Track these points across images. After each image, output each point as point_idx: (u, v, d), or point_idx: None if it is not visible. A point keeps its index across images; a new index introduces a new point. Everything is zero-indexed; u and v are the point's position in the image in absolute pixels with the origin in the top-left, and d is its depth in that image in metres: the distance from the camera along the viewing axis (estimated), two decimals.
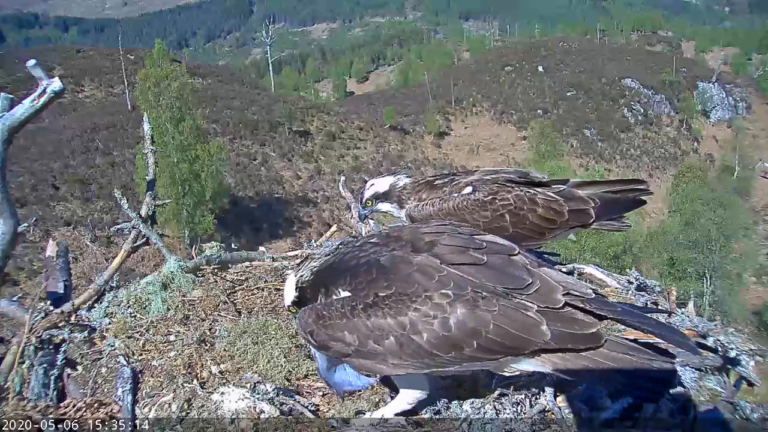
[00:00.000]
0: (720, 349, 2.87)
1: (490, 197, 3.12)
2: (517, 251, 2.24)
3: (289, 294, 2.56)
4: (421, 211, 3.23)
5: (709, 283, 29.18)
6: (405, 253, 2.24)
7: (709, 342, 2.94)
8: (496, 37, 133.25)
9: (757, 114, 77.57)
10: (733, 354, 2.84)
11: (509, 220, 3.11)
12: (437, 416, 2.41)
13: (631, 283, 3.85)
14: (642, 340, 3.10)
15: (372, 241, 2.42)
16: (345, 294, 2.28)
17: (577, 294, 2.14)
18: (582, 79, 74.06)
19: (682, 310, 3.43)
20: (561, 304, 2.09)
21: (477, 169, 3.55)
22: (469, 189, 3.19)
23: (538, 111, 67.05)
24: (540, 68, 77.66)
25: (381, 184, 3.33)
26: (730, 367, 2.86)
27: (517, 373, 2.24)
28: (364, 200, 3.34)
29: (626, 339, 2.21)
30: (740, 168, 60.25)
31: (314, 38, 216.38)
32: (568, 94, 71.76)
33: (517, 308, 2.07)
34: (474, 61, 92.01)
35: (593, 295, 2.16)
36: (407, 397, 2.41)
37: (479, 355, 2.08)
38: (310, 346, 2.56)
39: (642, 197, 3.27)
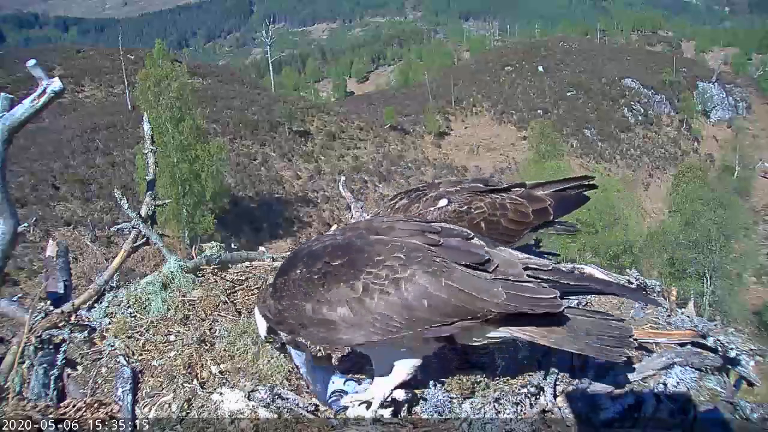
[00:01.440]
0: (720, 349, 2.87)
1: (465, 207, 3.20)
2: (473, 236, 2.28)
3: (261, 325, 2.51)
4: None
5: (709, 283, 29.16)
6: (360, 235, 2.26)
7: (709, 342, 2.94)
8: (496, 37, 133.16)
9: (757, 114, 77.53)
10: (733, 354, 2.84)
11: (485, 228, 3.19)
12: (437, 416, 2.41)
13: (631, 283, 3.85)
14: (642, 340, 3.11)
15: (329, 234, 2.46)
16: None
17: (536, 267, 2.20)
18: (582, 79, 74.01)
19: (682, 310, 3.43)
20: (520, 275, 2.13)
21: (440, 181, 3.61)
22: (444, 201, 3.24)
23: (538, 111, 67.01)
24: (540, 68, 77.61)
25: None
26: (730, 367, 2.86)
27: (482, 342, 2.25)
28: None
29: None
30: (740, 168, 60.23)
31: (314, 38, 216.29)
32: (568, 94, 71.73)
33: (471, 273, 2.08)
34: (474, 61, 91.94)
35: (551, 267, 2.23)
36: (390, 376, 2.37)
37: (433, 318, 2.04)
38: (279, 337, 2.51)
39: (586, 193, 3.54)
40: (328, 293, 2.10)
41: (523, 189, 3.40)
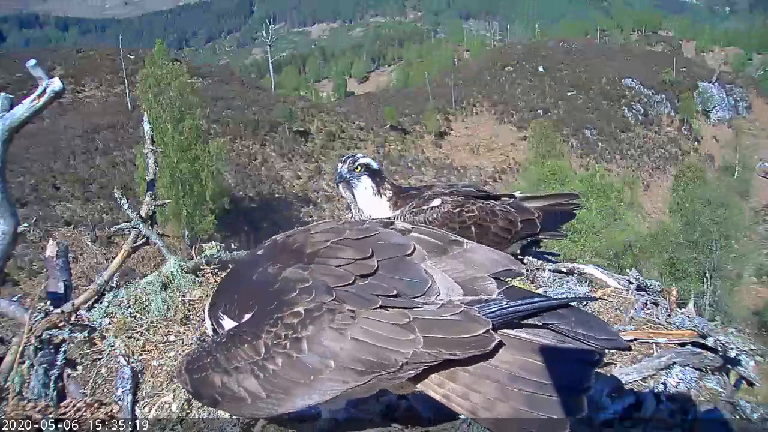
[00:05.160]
0: (720, 349, 2.87)
1: (457, 209, 3.23)
2: (412, 249, 1.92)
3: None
4: None
5: (709, 283, 29.15)
6: (276, 270, 1.95)
7: (709, 342, 2.94)
8: (496, 37, 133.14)
9: (757, 114, 77.56)
10: (733, 354, 2.84)
11: (474, 231, 3.22)
12: (437, 416, 2.41)
13: (631, 283, 3.86)
14: (641, 340, 3.11)
15: (264, 249, 2.17)
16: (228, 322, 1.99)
17: (483, 283, 1.83)
18: (582, 79, 74.03)
19: (682, 310, 3.43)
20: (453, 307, 1.74)
21: (434, 184, 3.64)
22: (438, 201, 3.27)
23: (538, 111, 67.00)
24: (540, 68, 77.64)
25: (374, 163, 3.33)
26: (730, 367, 2.86)
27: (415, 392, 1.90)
28: (356, 164, 3.22)
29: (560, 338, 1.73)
30: (740, 168, 60.25)
31: (314, 38, 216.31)
32: (568, 94, 71.74)
33: (383, 318, 1.73)
34: (474, 61, 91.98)
35: (496, 293, 1.80)
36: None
37: (343, 378, 1.72)
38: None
39: (574, 210, 3.61)
40: (234, 361, 1.83)
41: (513, 199, 3.48)
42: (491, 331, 1.66)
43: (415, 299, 1.77)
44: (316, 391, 1.74)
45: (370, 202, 3.29)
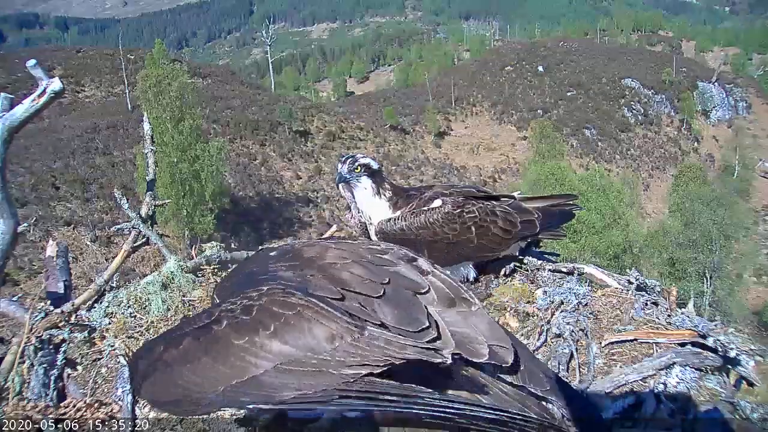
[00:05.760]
0: (720, 349, 2.87)
1: (458, 210, 3.22)
2: (426, 290, 1.86)
3: None
4: (393, 226, 3.25)
5: (709, 283, 29.15)
6: (278, 268, 1.91)
7: (709, 342, 2.94)
8: (496, 37, 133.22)
9: (757, 114, 77.61)
10: (733, 354, 2.84)
11: (475, 232, 3.23)
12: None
13: (631, 283, 3.85)
14: (641, 340, 3.11)
15: (278, 251, 2.11)
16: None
17: (470, 351, 1.72)
18: (582, 79, 74.07)
19: (682, 310, 3.43)
20: (440, 360, 1.61)
21: (434, 184, 3.65)
22: (438, 202, 3.26)
23: (538, 111, 67.05)
24: (540, 68, 77.66)
25: (374, 163, 3.29)
26: (730, 367, 2.86)
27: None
28: (355, 164, 3.17)
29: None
30: (740, 168, 60.26)
31: (314, 38, 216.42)
32: (568, 94, 71.78)
33: (333, 319, 1.64)
34: (474, 61, 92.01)
35: (486, 357, 1.71)
36: None
37: (281, 354, 1.60)
38: None
39: (573, 211, 3.62)
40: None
41: (513, 200, 3.48)
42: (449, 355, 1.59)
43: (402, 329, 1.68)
44: (252, 362, 1.59)
45: (370, 203, 3.27)
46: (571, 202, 3.62)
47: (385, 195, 3.27)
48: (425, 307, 1.80)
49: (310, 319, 1.63)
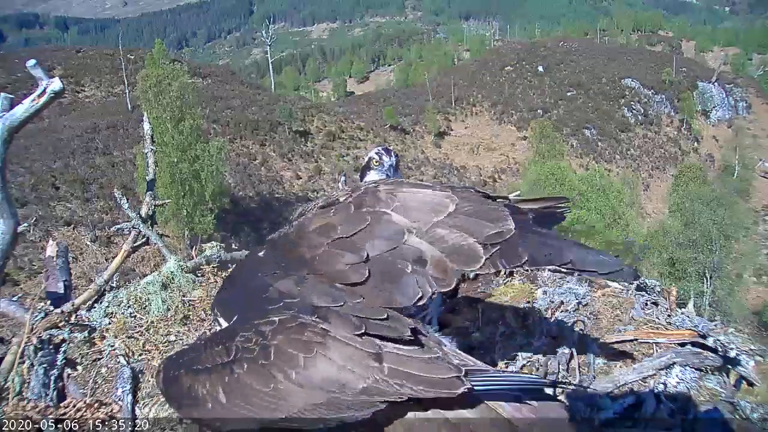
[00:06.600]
0: (720, 349, 2.87)
1: None
2: (404, 237, 1.89)
3: None
4: None
5: (709, 283, 29.12)
6: (272, 278, 1.93)
7: (709, 342, 2.94)
8: (496, 37, 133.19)
9: (757, 114, 77.59)
10: (733, 354, 2.84)
11: None
12: None
13: (631, 283, 3.85)
14: (642, 340, 3.11)
15: (265, 251, 2.12)
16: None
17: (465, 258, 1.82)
18: (582, 79, 74.04)
19: (682, 310, 3.43)
20: (436, 349, 1.69)
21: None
22: None
23: (538, 111, 67.03)
24: (540, 68, 77.65)
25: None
26: (730, 367, 2.86)
27: None
28: (396, 164, 3.16)
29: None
30: (740, 168, 60.25)
31: (314, 38, 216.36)
32: (568, 94, 71.76)
33: (354, 342, 1.67)
34: (474, 61, 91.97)
35: (483, 260, 1.82)
36: None
37: (303, 394, 1.65)
38: None
39: (564, 213, 3.56)
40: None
41: (508, 200, 3.50)
42: (462, 378, 1.58)
43: (403, 326, 1.71)
44: (277, 404, 1.65)
45: None
46: (561, 204, 3.66)
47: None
48: (411, 278, 1.82)
49: (330, 360, 1.64)
